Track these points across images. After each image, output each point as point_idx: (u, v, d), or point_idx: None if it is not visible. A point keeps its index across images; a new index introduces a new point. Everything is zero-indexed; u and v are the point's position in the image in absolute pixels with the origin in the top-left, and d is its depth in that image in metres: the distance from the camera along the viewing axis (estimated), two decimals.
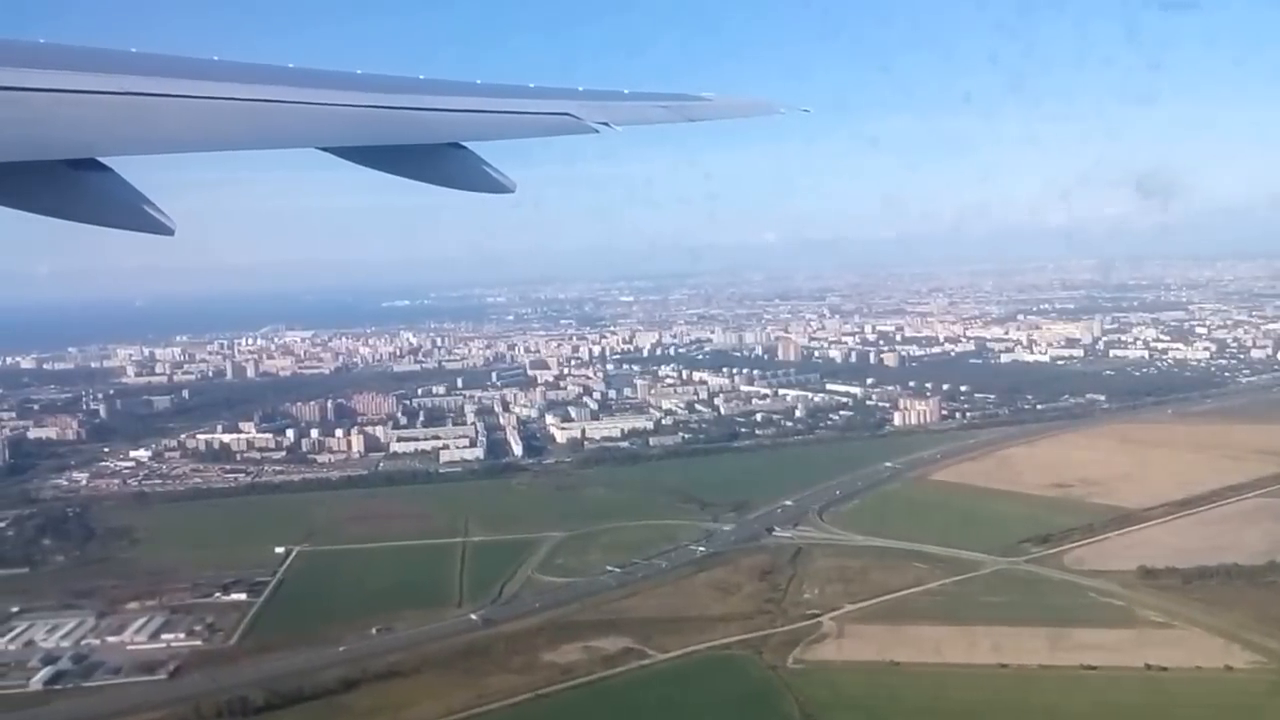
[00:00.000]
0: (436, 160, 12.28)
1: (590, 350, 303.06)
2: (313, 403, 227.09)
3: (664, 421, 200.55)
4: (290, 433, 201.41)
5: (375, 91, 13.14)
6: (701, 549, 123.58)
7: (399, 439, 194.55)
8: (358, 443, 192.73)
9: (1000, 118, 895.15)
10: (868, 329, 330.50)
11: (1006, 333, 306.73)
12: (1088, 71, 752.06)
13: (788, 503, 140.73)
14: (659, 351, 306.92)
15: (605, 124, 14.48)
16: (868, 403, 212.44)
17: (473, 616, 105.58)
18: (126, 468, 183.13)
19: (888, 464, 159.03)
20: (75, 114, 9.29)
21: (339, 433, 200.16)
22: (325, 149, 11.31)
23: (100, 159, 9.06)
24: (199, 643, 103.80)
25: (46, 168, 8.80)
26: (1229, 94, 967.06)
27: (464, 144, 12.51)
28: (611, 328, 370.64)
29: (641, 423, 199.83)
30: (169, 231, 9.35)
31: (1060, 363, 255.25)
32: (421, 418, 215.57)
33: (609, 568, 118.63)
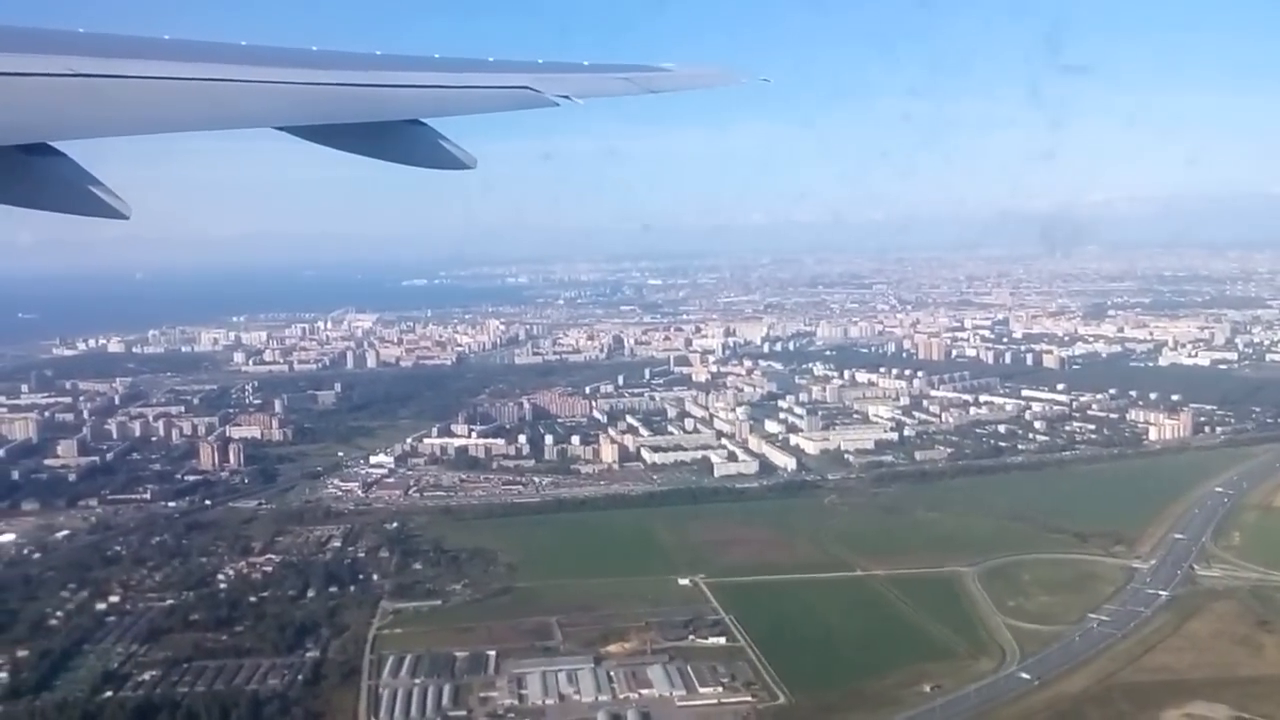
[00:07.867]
0: (394, 137, 12.20)
1: (721, 344, 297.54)
2: (510, 403, 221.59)
3: (906, 434, 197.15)
4: (522, 438, 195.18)
5: (331, 69, 13.13)
6: (1163, 593, 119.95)
7: (648, 448, 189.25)
8: (609, 453, 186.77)
9: (989, 101, 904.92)
10: (967, 323, 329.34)
11: (1120, 330, 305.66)
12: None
13: (1177, 535, 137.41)
14: (779, 347, 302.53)
15: (566, 97, 14.48)
16: (1089, 412, 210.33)
17: (1023, 675, 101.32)
18: (383, 475, 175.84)
19: (1217, 488, 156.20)
20: (24, 98, 9.12)
21: (574, 440, 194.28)
22: (281, 128, 11.18)
23: (52, 143, 8.82)
24: (748, 698, 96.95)
25: None
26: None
27: (423, 120, 12.40)
28: (684, 316, 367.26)
29: (880, 434, 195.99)
30: (124, 216, 9.13)
31: (1222, 367, 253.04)
32: (632, 421, 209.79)
33: (1091, 615, 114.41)
